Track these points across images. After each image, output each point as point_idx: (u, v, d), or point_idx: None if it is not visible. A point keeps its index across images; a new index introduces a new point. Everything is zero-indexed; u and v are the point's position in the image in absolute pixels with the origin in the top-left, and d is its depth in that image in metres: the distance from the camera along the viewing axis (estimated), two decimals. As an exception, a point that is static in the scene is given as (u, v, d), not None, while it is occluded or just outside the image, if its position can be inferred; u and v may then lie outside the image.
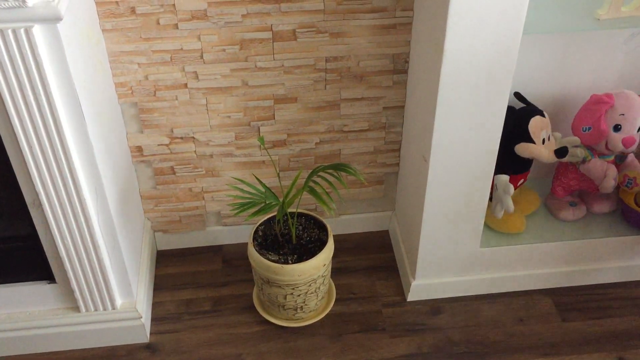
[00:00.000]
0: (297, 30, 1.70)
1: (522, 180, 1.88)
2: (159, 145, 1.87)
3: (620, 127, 1.76)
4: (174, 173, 1.94)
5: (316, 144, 1.93)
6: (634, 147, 1.78)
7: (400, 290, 1.99)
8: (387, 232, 2.19)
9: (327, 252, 1.76)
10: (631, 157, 1.90)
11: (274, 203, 1.71)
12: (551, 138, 1.79)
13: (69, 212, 1.53)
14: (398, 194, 2.09)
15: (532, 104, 1.80)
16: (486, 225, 1.91)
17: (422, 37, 1.65)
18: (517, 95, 1.82)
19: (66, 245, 1.59)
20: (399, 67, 1.82)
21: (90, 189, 1.53)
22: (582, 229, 1.94)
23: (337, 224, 2.13)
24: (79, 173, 1.47)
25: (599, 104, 1.75)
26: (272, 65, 1.76)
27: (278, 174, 1.77)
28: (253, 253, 1.75)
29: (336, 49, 1.75)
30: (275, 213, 1.81)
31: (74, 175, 1.46)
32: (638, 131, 1.78)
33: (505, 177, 1.78)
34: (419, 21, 1.68)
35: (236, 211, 1.68)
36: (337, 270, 2.03)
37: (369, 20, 1.72)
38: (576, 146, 1.83)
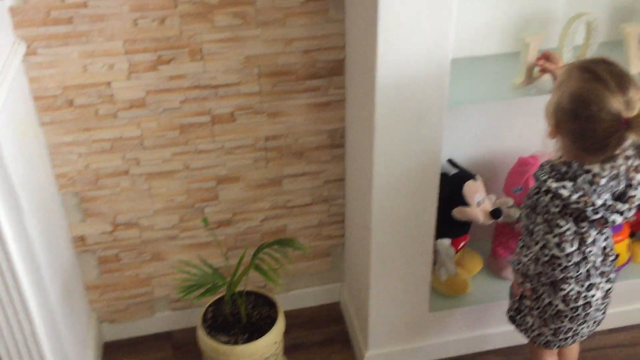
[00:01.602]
0: (235, 112, 1.76)
1: (463, 243, 1.94)
2: (102, 233, 1.85)
3: (548, 186, 1.86)
4: (119, 260, 1.91)
5: (261, 220, 1.95)
6: (563, 204, 1.88)
7: (356, 362, 1.98)
8: (338, 303, 2.19)
9: (278, 330, 1.75)
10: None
11: (221, 283, 1.71)
12: (486, 200, 1.87)
13: (9, 308, 1.48)
14: (346, 265, 2.12)
15: (465, 169, 1.89)
16: (433, 289, 1.94)
17: (355, 113, 1.74)
18: (450, 161, 1.91)
19: (5, 342, 1.53)
20: (337, 142, 1.89)
21: (31, 284, 1.49)
22: (524, 286, 2.00)
23: (287, 300, 2.12)
24: (18, 268, 1.44)
25: (525, 166, 1.85)
26: (212, 147, 1.80)
27: (224, 254, 1.77)
28: (201, 337, 1.72)
29: (275, 128, 1.81)
30: (223, 293, 1.80)
31: (13, 271, 1.43)
32: (565, 189, 1.89)
33: (446, 242, 1.83)
34: (351, 98, 1.76)
35: (183, 294, 1.67)
36: (292, 347, 2.01)
37: (304, 99, 1.79)
38: (510, 207, 1.91)
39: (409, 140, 1.56)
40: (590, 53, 1.70)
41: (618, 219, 1.31)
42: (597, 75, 1.22)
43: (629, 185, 1.34)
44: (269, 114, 1.78)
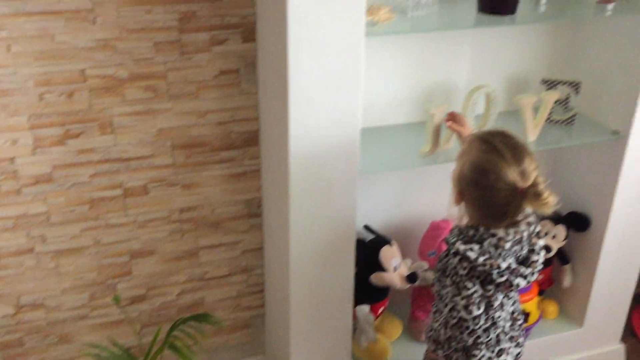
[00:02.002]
0: (148, 185, 1.73)
1: (382, 309, 1.95)
2: (3, 316, 1.73)
3: (461, 249, 1.92)
4: (23, 345, 1.79)
5: (178, 294, 1.90)
6: (475, 266, 1.94)
7: None
8: (259, 377, 2.13)
9: (195, 410, 1.67)
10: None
11: (132, 365, 1.63)
12: (402, 265, 1.90)
13: None
14: (267, 336, 2.07)
15: (381, 235, 1.92)
16: (354, 356, 1.93)
17: (271, 182, 1.75)
18: (366, 227, 1.94)
19: None
20: (254, 212, 1.89)
21: None
22: (444, 348, 2.02)
23: (207, 376, 2.05)
24: None
25: (438, 230, 1.91)
26: (125, 220, 1.75)
27: (138, 332, 1.70)
28: (114, 423, 1.62)
29: (190, 200, 1.79)
30: (137, 374, 1.72)
31: None
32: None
33: (365, 308, 1.84)
34: (266, 168, 1.78)
35: (92, 379, 1.57)
36: None
37: (219, 170, 1.79)
38: (425, 270, 1.95)
39: (324, 208, 1.58)
40: (491, 122, 1.81)
41: (522, 282, 1.36)
42: (494, 146, 1.29)
43: (532, 250, 1.40)
44: (183, 185, 1.76)
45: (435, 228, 1.92)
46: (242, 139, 1.77)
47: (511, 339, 1.45)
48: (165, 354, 1.85)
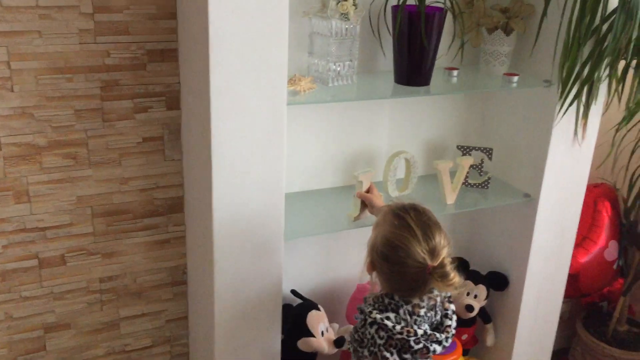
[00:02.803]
0: (65, 254, 1.67)
1: (310, 375, 1.92)
2: None
3: (387, 311, 1.94)
4: None
5: (96, 369, 1.81)
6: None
7: None
8: None
9: None
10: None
11: None
12: (329, 329, 1.90)
13: None
14: (192, 410, 1.99)
15: (308, 299, 1.92)
16: None
17: (195, 249, 1.73)
18: (294, 292, 1.93)
19: None
20: (178, 279, 1.84)
21: None
22: (373, 413, 2.00)
23: None
24: None
25: (364, 292, 1.92)
26: (39, 293, 1.67)
27: (51, 412, 1.60)
28: None
29: (110, 269, 1.74)
30: None
31: None
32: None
33: (293, 375, 1.81)
34: (191, 235, 1.76)
35: None
36: None
37: (142, 238, 1.75)
38: (353, 334, 1.95)
39: (250, 273, 1.57)
40: (411, 186, 1.87)
41: (438, 348, 1.36)
42: (406, 223, 1.30)
43: (445, 315, 1.41)
44: (103, 254, 1.71)
45: (362, 290, 1.93)
46: (166, 205, 1.75)
47: None
48: None
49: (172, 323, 1.88)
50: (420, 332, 1.33)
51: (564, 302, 2.22)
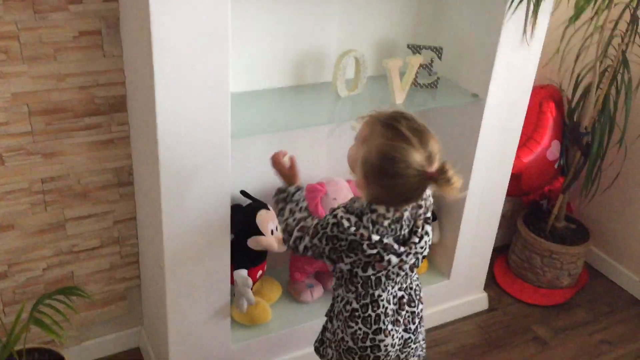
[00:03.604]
0: (4, 155, 1.61)
1: (260, 272, 1.97)
2: None
3: (335, 210, 1.98)
4: None
5: (43, 270, 1.80)
6: (349, 226, 2.00)
7: (159, 408, 1.90)
8: (138, 349, 2.09)
9: (66, 386, 1.61)
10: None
11: (-7, 345, 1.53)
12: (279, 228, 1.93)
13: None
14: (144, 307, 2.03)
15: (257, 199, 1.93)
16: (235, 321, 1.94)
17: (140, 149, 1.69)
18: (243, 192, 1.94)
19: None
20: (124, 180, 1.82)
21: None
22: (322, 306, 2.07)
23: (81, 352, 1.97)
24: None
25: (314, 192, 1.95)
26: (-21, 194, 1.62)
27: (-1, 311, 1.60)
28: (-24, 407, 1.53)
29: (52, 169, 1.69)
30: None
31: None
32: (350, 211, 2.01)
33: (243, 272, 1.85)
34: (136, 134, 1.72)
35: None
36: (88, 402, 1.87)
37: (85, 138, 1.70)
38: (302, 232, 1.98)
39: (197, 173, 1.55)
40: (361, 86, 1.86)
41: (394, 259, 1.35)
42: (400, 132, 1.25)
43: (414, 233, 1.39)
44: (44, 154, 1.66)
45: (311, 190, 1.95)
46: (107, 104, 1.69)
47: (395, 322, 1.47)
48: (34, 332, 1.77)
49: (120, 224, 1.87)
50: (375, 237, 1.32)
51: (506, 201, 2.31)
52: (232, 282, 1.84)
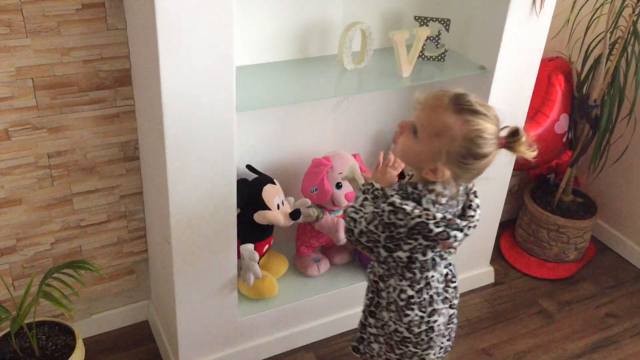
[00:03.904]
0: (9, 129, 1.61)
1: (267, 246, 1.97)
2: None
3: (341, 185, 1.97)
4: None
5: (52, 244, 1.81)
6: (356, 200, 2.00)
7: (168, 380, 1.92)
8: (146, 322, 2.11)
9: (76, 359, 1.63)
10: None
11: (3, 317, 1.55)
12: (285, 203, 1.93)
13: None
14: (152, 281, 2.05)
15: (263, 174, 1.93)
16: (242, 295, 1.95)
17: (146, 124, 1.69)
18: (249, 167, 1.94)
19: None
20: (130, 155, 1.82)
21: None
22: (329, 281, 2.09)
23: (90, 325, 1.99)
24: None
25: (319, 167, 1.94)
26: (-15, 169, 1.63)
27: (8, 286, 1.61)
28: (-12, 379, 1.55)
29: (58, 144, 1.69)
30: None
31: None
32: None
33: (249, 246, 1.85)
34: (141, 109, 1.71)
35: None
36: (98, 375, 1.90)
37: (90, 112, 1.70)
38: (308, 207, 1.99)
39: (202, 147, 1.55)
40: (367, 59, 1.84)
41: (459, 235, 1.32)
42: (477, 112, 1.23)
43: (469, 207, 1.38)
44: (49, 129, 1.66)
45: (317, 165, 1.95)
46: (112, 78, 1.68)
47: (444, 300, 1.46)
48: (43, 305, 1.79)
49: (127, 198, 1.88)
50: (439, 215, 1.29)
51: (513, 175, 2.30)
52: (239, 256, 1.85)
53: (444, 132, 1.25)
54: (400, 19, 1.97)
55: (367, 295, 1.54)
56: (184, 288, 1.73)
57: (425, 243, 1.35)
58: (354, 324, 2.14)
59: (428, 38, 1.88)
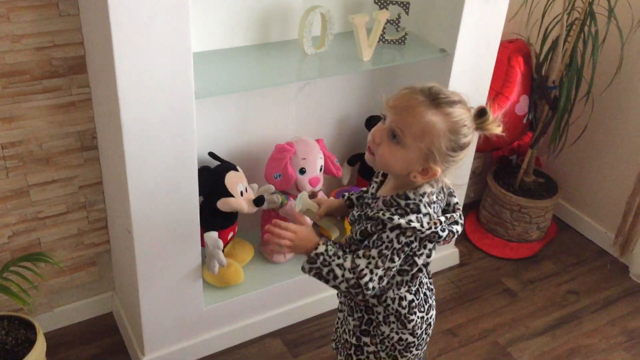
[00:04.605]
0: (-41, 120, 1.56)
1: (231, 234, 1.96)
2: None
3: (305, 170, 1.97)
4: None
5: (9, 237, 1.77)
6: (320, 185, 2.00)
7: (134, 371, 1.91)
8: (111, 314, 2.08)
9: (37, 353, 1.60)
10: (321, 194, 2.12)
11: (-41, 314, 1.51)
12: (248, 189, 1.91)
13: None
14: (115, 272, 2.02)
15: (226, 161, 1.91)
16: (207, 283, 1.94)
17: (103, 112, 1.65)
18: (211, 154, 1.92)
19: None
20: (88, 144, 1.78)
21: None
22: (295, 267, 2.09)
23: (54, 318, 1.96)
24: None
25: (282, 152, 1.93)
26: None
27: (-37, 280, 1.57)
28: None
29: (11, 134, 1.64)
30: (-32, 324, 1.60)
31: None
32: (320, 171, 2.01)
33: (213, 234, 1.84)
34: (98, 97, 1.67)
35: None
36: (62, 368, 1.87)
37: (44, 101, 1.65)
38: (272, 193, 1.98)
39: (161, 135, 1.52)
40: (328, 43, 1.82)
41: (459, 228, 1.30)
42: (452, 101, 1.21)
43: (450, 195, 1.35)
44: (2, 119, 1.61)
45: (280, 150, 1.94)
46: (66, 66, 1.64)
47: (432, 291, 1.45)
48: (2, 300, 1.75)
49: (86, 189, 1.84)
50: (442, 218, 1.26)
51: (476, 157, 2.33)
52: (203, 244, 1.83)
53: (429, 131, 1.20)
54: (360, 2, 1.96)
55: (351, 316, 1.44)
56: (147, 278, 1.71)
57: (430, 246, 1.32)
58: (321, 309, 2.16)
59: (388, 21, 1.88)
